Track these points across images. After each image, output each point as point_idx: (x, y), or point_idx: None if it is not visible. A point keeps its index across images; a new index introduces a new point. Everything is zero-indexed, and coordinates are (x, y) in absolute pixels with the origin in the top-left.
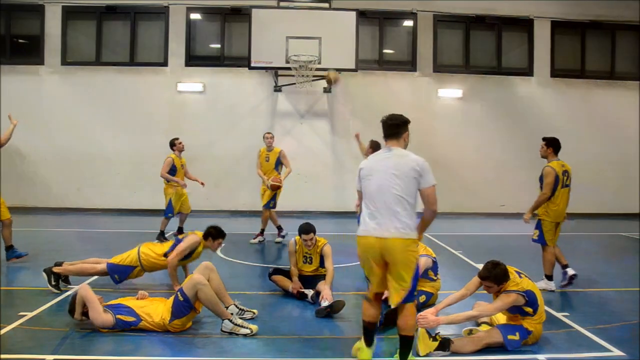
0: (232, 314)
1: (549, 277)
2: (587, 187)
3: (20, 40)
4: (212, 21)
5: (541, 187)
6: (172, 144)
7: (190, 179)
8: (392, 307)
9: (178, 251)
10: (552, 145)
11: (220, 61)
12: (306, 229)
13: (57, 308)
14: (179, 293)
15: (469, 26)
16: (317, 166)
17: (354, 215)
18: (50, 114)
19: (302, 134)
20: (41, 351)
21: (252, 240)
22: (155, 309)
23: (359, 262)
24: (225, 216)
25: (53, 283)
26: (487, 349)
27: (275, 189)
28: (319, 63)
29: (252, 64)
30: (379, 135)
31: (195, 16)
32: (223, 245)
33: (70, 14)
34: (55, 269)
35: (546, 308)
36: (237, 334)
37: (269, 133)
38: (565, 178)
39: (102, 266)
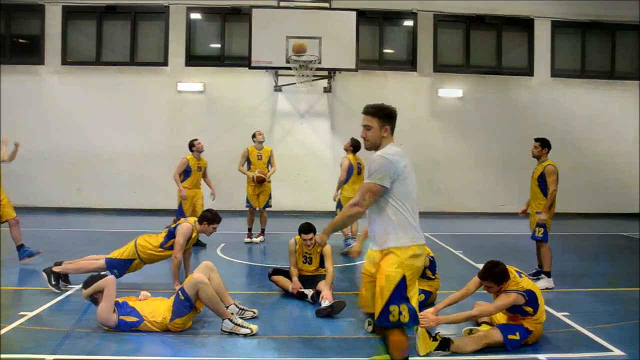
0: (232, 313)
1: (549, 274)
2: (587, 187)
3: (20, 40)
4: (212, 21)
5: (540, 187)
6: (191, 145)
7: (207, 185)
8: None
9: (178, 246)
10: (548, 145)
11: (220, 61)
12: (306, 229)
13: (57, 308)
14: (179, 292)
15: (469, 26)
16: (317, 166)
17: None
18: (50, 114)
19: (302, 134)
20: (41, 351)
21: (255, 239)
22: (157, 309)
23: (403, 279)
24: (225, 216)
25: (53, 283)
26: (487, 349)
27: (261, 181)
28: (319, 63)
29: (252, 64)
30: None
31: (195, 16)
32: (216, 230)
33: (70, 14)
34: (55, 269)
35: (546, 308)
36: (237, 334)
37: (260, 131)
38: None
39: (101, 262)
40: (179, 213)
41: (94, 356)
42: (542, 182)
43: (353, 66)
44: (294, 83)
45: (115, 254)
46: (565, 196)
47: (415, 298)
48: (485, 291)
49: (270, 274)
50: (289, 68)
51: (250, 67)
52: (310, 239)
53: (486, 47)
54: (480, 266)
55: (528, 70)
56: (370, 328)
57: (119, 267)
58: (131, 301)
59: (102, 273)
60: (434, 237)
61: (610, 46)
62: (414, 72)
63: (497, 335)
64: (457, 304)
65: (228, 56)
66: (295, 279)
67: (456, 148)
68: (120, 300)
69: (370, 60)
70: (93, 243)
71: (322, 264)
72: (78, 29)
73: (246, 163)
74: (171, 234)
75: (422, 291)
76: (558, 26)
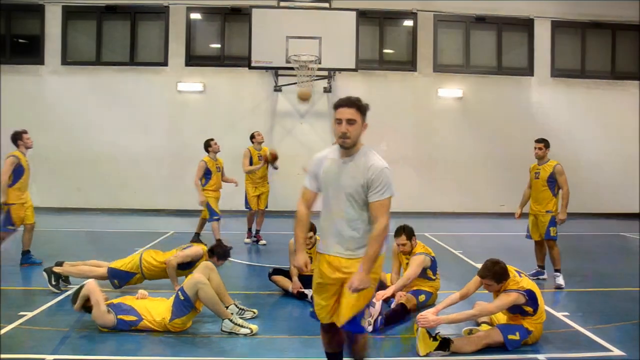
0: (232, 313)
1: (560, 271)
2: (587, 187)
3: (20, 40)
4: (212, 21)
5: (550, 187)
6: (208, 145)
7: (226, 182)
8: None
9: (181, 255)
10: (549, 146)
11: (220, 61)
12: None
13: (57, 308)
14: (179, 292)
15: (469, 26)
16: None
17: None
18: (50, 114)
19: (302, 134)
20: (41, 351)
21: (261, 242)
22: (156, 308)
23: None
24: (225, 216)
25: (53, 283)
26: (487, 349)
27: (275, 159)
28: (319, 63)
29: (252, 64)
30: (378, 135)
31: (195, 16)
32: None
33: (70, 14)
34: (56, 269)
35: (546, 308)
36: (237, 334)
37: (259, 132)
38: None
39: (103, 270)
40: (213, 213)
41: (94, 356)
42: (551, 182)
43: (353, 66)
44: (294, 83)
45: (119, 264)
46: None
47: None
48: (486, 290)
49: (270, 274)
50: (289, 68)
51: (250, 67)
52: (310, 237)
53: (486, 47)
54: (480, 266)
55: (528, 70)
56: (370, 328)
57: (120, 278)
58: (128, 300)
59: (84, 282)
60: (434, 237)
61: (610, 46)
62: (414, 72)
63: (497, 336)
64: (457, 304)
65: (228, 56)
66: (295, 278)
67: (456, 148)
68: (115, 301)
69: (370, 60)
70: (93, 243)
71: None
72: (78, 29)
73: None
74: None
75: (422, 292)
76: (558, 26)
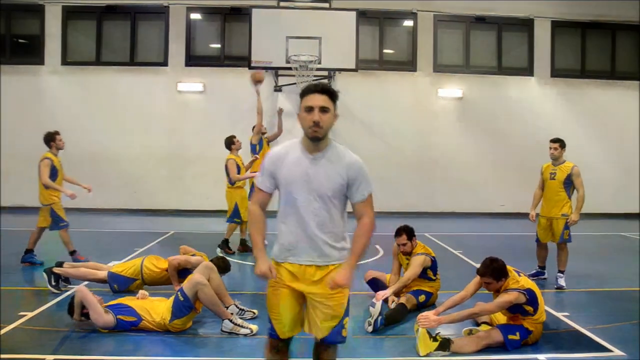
0: (232, 313)
1: (563, 272)
2: (587, 187)
3: (20, 40)
4: (212, 21)
5: (567, 188)
6: (231, 143)
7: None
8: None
9: (184, 259)
10: (564, 146)
11: (220, 61)
12: None
13: (57, 308)
14: (179, 293)
15: (469, 26)
16: None
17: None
18: (50, 114)
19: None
20: (41, 351)
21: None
22: (155, 309)
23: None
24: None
25: (53, 283)
26: (487, 349)
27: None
28: (319, 63)
29: (252, 64)
30: (379, 135)
31: (195, 16)
32: None
33: (70, 14)
34: (56, 270)
35: (546, 308)
36: (237, 334)
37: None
38: None
39: (103, 274)
40: (235, 214)
41: (94, 356)
42: (568, 184)
43: (353, 66)
44: (294, 83)
45: (119, 269)
46: None
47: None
48: (485, 290)
49: None
50: (289, 68)
51: (250, 67)
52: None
53: (486, 47)
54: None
55: (528, 70)
56: (370, 328)
57: (120, 283)
58: (128, 301)
59: (76, 289)
60: (434, 237)
61: (610, 46)
62: (414, 72)
63: (497, 336)
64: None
65: (228, 56)
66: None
67: (456, 148)
68: (114, 302)
69: (370, 60)
70: (93, 243)
71: None
72: (78, 29)
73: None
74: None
75: (423, 292)
76: (558, 26)
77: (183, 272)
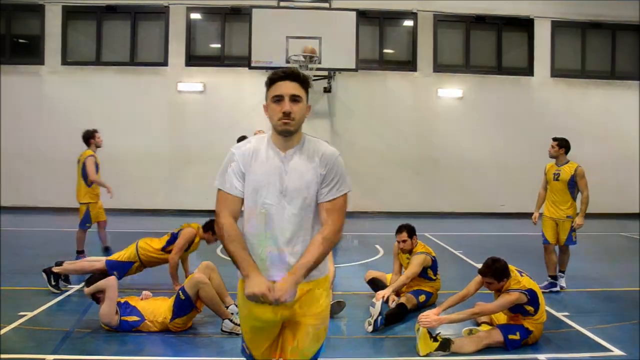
0: (232, 313)
1: (564, 272)
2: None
3: (20, 40)
4: (212, 21)
5: (571, 189)
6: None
7: None
8: None
9: (177, 248)
10: (565, 146)
11: (220, 61)
12: None
13: (57, 308)
14: (180, 292)
15: (469, 26)
16: None
17: (354, 216)
18: (50, 114)
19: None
20: (41, 351)
21: None
22: (157, 308)
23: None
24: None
25: (53, 283)
26: (488, 349)
27: None
28: (319, 63)
29: (252, 64)
30: (379, 135)
31: (195, 16)
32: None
33: (70, 14)
34: (55, 269)
35: (546, 308)
36: (237, 334)
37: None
38: None
39: (101, 264)
40: None
41: (94, 356)
42: (572, 184)
43: (353, 66)
44: None
45: (116, 256)
46: None
47: None
48: (487, 289)
49: None
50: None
51: (250, 67)
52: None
53: (486, 47)
54: (480, 266)
55: (528, 70)
56: (370, 328)
57: (119, 269)
58: (132, 301)
59: (109, 277)
60: (434, 237)
61: (610, 46)
62: (414, 72)
63: (497, 336)
64: (457, 305)
65: (228, 56)
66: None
67: (456, 148)
68: (122, 300)
69: (370, 60)
70: (93, 243)
71: None
72: (78, 29)
73: None
74: (174, 238)
75: (423, 292)
76: (558, 26)
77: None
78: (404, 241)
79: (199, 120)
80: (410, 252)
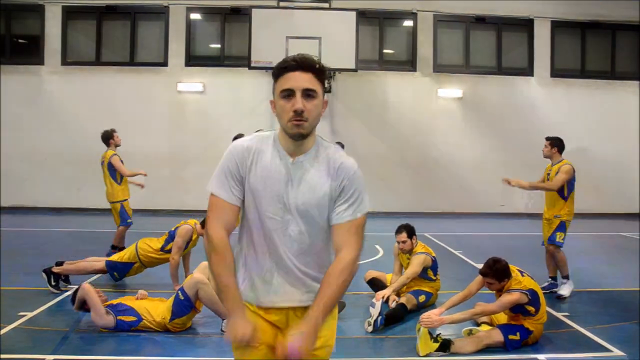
0: None
1: (568, 277)
2: (587, 187)
3: (20, 40)
4: (212, 21)
5: (560, 191)
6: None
7: None
8: None
9: (176, 247)
10: (557, 145)
11: (220, 61)
12: None
13: (57, 308)
14: (179, 292)
15: (469, 26)
16: None
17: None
18: (50, 114)
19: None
20: (41, 351)
21: None
22: (155, 308)
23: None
24: None
25: (53, 283)
26: (488, 349)
27: None
28: None
29: (252, 64)
30: (378, 135)
31: (195, 16)
32: None
33: (70, 14)
34: (55, 269)
35: (547, 308)
36: None
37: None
38: None
39: (101, 264)
40: None
41: (93, 356)
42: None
43: (353, 66)
44: None
45: (116, 257)
46: None
47: None
48: (488, 289)
49: None
50: None
51: (250, 67)
52: None
53: (486, 47)
54: (481, 266)
55: (528, 70)
56: (370, 328)
57: (119, 270)
58: (128, 301)
59: (81, 285)
60: (434, 237)
61: (610, 46)
62: (414, 72)
63: (497, 336)
64: (459, 305)
65: (228, 56)
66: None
67: (456, 148)
68: (115, 302)
69: (370, 61)
70: (93, 243)
71: None
72: (78, 29)
73: None
74: (171, 237)
75: (423, 292)
76: (558, 26)
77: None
78: (403, 242)
79: (199, 120)
80: (410, 252)
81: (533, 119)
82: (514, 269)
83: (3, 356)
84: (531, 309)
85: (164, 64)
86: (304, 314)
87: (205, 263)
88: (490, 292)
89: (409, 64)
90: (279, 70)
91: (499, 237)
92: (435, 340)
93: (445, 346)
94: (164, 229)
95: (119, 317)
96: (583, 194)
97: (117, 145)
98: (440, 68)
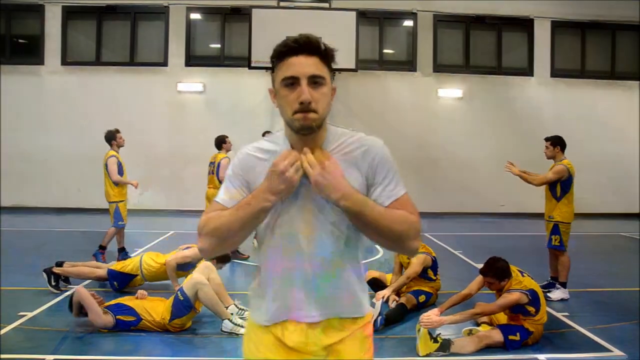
0: (232, 313)
1: (565, 285)
2: (587, 187)
3: (20, 40)
4: (212, 21)
5: (551, 189)
6: (223, 142)
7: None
8: None
9: (180, 256)
10: (559, 143)
11: (220, 61)
12: None
13: (57, 308)
14: (179, 292)
15: (469, 26)
16: None
17: None
18: (50, 114)
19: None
20: (41, 351)
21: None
22: (155, 308)
23: None
24: None
25: (53, 283)
26: (488, 349)
27: None
28: None
29: (252, 64)
30: (379, 135)
31: (195, 16)
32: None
33: (70, 14)
34: (55, 270)
35: (547, 308)
36: (237, 334)
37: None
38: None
39: (103, 271)
40: None
41: (93, 356)
42: (553, 183)
43: (353, 66)
44: None
45: (119, 266)
46: None
47: None
48: (488, 289)
49: None
50: None
51: (250, 67)
52: None
53: (486, 47)
54: (481, 266)
55: (528, 70)
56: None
57: (120, 280)
58: (128, 300)
59: (75, 289)
60: (434, 237)
61: (610, 46)
62: (414, 72)
63: (497, 336)
64: (459, 305)
65: (228, 56)
66: None
67: (456, 148)
68: (114, 302)
69: (370, 60)
70: (93, 243)
71: None
72: (78, 29)
73: None
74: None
75: (423, 292)
76: (558, 26)
77: (184, 265)
78: None
79: (198, 120)
80: None
81: (533, 119)
82: (514, 269)
83: (3, 356)
84: (531, 309)
85: (164, 64)
86: (338, 324)
87: (205, 263)
88: (491, 292)
89: (409, 64)
90: (279, 54)
91: (499, 237)
92: (435, 340)
93: (445, 346)
94: (163, 229)
95: (118, 317)
96: (583, 194)
97: (120, 146)
98: (440, 68)
